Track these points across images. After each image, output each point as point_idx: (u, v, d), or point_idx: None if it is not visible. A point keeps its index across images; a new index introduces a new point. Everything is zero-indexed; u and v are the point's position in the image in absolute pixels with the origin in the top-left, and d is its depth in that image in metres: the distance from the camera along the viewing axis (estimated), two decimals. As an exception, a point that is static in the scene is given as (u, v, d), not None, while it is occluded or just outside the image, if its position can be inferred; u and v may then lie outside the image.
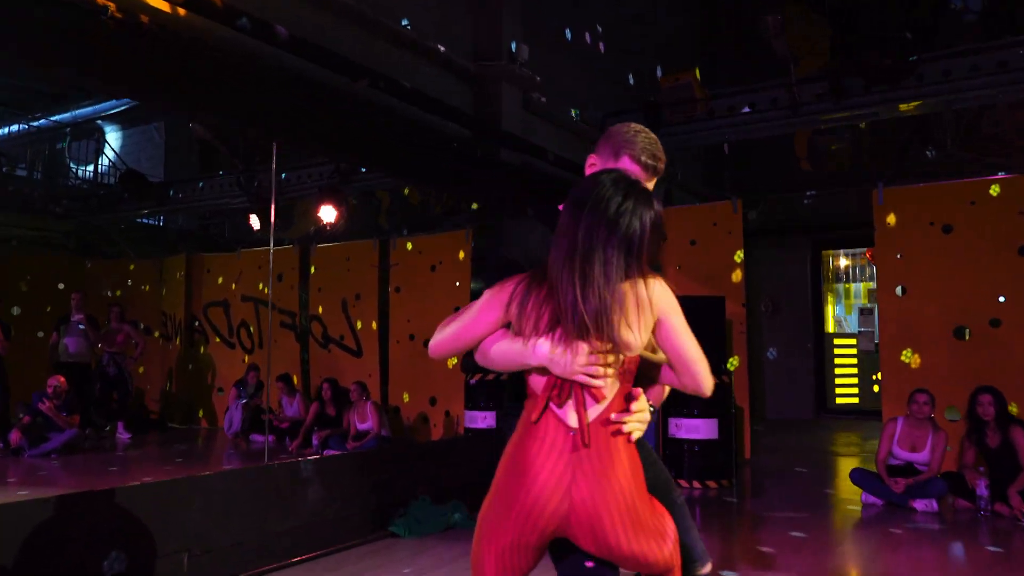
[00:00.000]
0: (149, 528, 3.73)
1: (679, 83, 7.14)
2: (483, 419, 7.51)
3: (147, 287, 12.62)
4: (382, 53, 4.97)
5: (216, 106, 4.04)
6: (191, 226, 13.43)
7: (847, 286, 15.39)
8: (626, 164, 2.07)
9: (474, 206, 12.35)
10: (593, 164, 2.14)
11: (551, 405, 1.80)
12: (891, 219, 7.15)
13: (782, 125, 7.27)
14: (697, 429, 6.62)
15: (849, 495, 6.24)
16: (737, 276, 7.90)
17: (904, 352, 7.04)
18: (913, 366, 6.99)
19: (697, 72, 7.26)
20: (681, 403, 6.68)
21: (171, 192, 10.90)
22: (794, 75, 7.11)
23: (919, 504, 5.58)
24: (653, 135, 2.15)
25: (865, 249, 13.94)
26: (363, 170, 9.57)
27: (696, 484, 6.63)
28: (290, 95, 4.31)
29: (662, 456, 6.87)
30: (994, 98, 6.83)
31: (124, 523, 3.70)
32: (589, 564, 1.89)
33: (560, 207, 1.94)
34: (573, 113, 7.09)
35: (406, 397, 9.85)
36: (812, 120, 7.25)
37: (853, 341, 13.35)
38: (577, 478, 1.74)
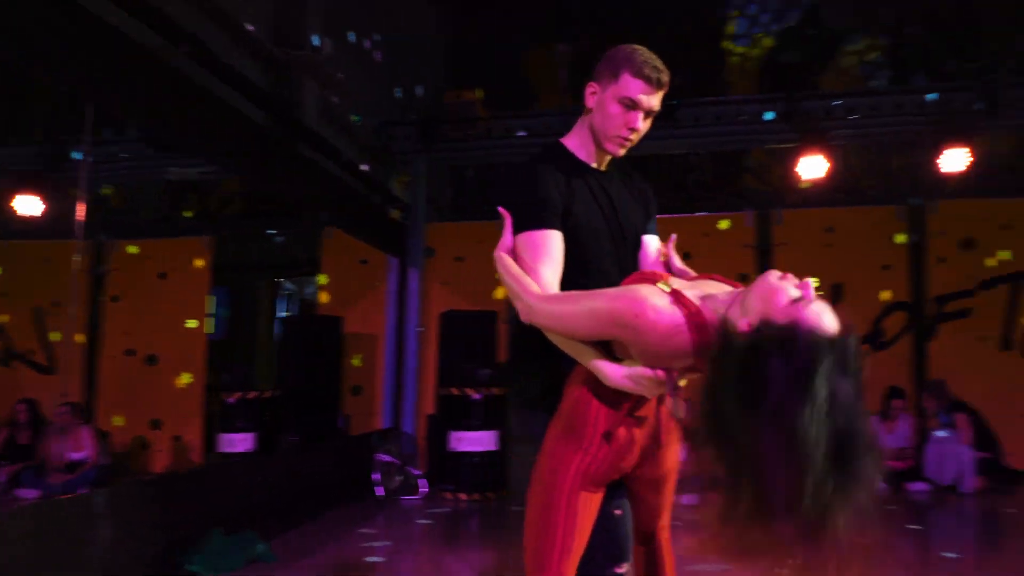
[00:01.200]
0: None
1: (461, 100, 7.23)
2: (242, 441, 6.81)
3: None
4: (196, 22, 4.37)
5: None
6: None
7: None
8: (627, 81, 1.99)
9: (187, 213, 11.25)
10: (594, 92, 2.06)
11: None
12: (640, 245, 7.91)
13: (552, 151, 7.67)
14: (479, 441, 6.66)
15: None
16: (500, 293, 8.15)
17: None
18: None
19: (479, 93, 7.41)
20: (461, 416, 6.69)
21: None
22: (568, 103, 7.61)
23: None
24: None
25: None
26: (77, 157, 8.22)
27: (476, 496, 6.63)
28: (102, 50, 3.58)
29: (442, 468, 6.85)
30: (730, 145, 7.94)
31: None
32: (618, 512, 2.02)
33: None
34: (354, 119, 6.82)
35: (119, 420, 8.59)
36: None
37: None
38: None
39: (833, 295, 7.56)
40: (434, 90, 8.36)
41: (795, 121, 7.49)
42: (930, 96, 7.40)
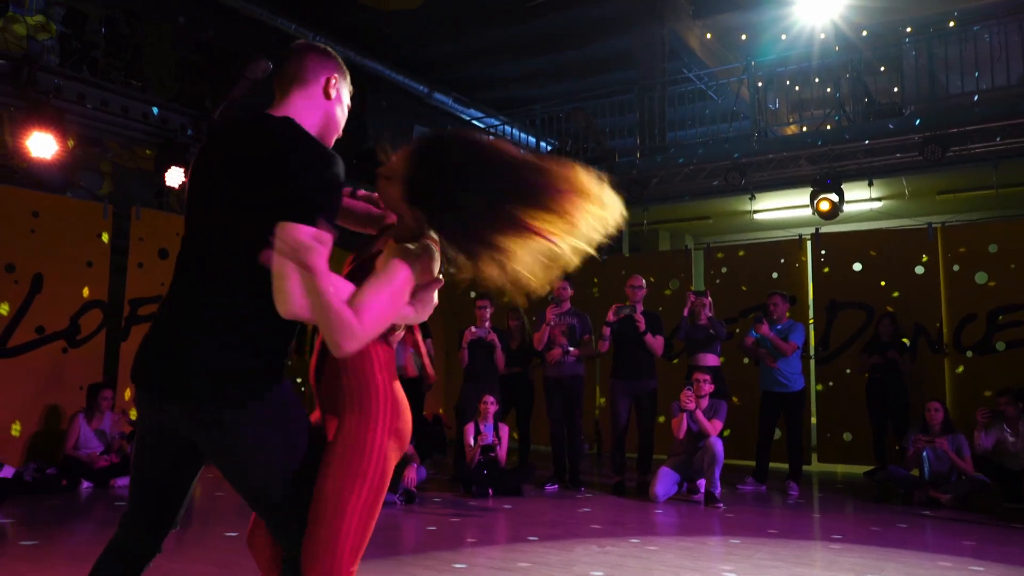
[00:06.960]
0: None
1: None
2: None
3: None
4: None
5: None
6: None
7: None
8: (347, 84, 2.04)
9: None
10: (335, 83, 1.96)
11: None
12: None
13: None
14: None
15: None
16: None
17: None
18: None
19: None
20: None
21: None
22: None
23: None
24: None
25: None
26: None
27: None
28: None
29: None
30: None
31: None
32: None
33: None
34: None
35: None
36: None
37: None
38: None
39: (33, 286, 7.02)
40: None
41: (25, 89, 6.79)
42: (155, 110, 7.81)
